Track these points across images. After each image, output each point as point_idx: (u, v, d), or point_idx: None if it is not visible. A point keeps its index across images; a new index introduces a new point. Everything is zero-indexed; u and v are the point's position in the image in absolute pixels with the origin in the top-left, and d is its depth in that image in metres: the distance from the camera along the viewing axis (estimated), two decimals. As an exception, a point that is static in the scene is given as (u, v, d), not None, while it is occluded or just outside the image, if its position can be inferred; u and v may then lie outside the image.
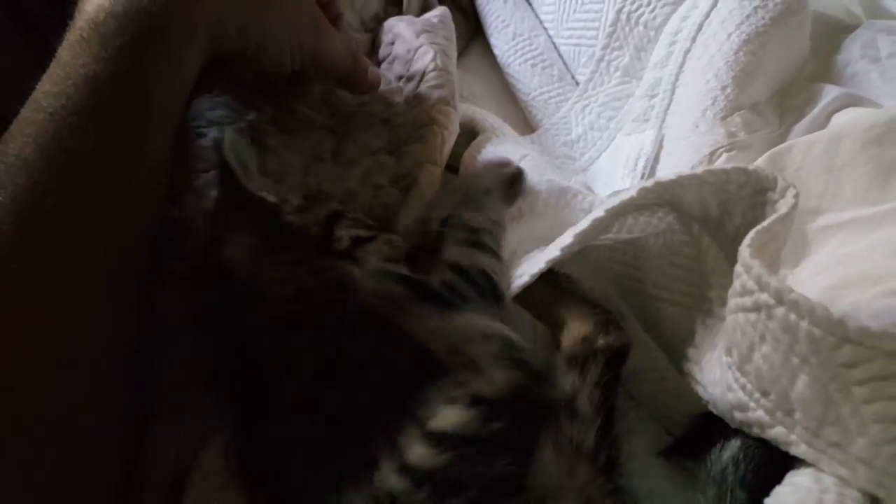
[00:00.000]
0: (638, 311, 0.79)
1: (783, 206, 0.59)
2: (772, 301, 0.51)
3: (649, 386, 0.79)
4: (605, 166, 1.09)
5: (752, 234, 0.56)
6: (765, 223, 0.57)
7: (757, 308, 0.52)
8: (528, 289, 0.72)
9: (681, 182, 0.66)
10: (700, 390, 0.64)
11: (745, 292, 0.53)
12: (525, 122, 1.27)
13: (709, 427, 0.64)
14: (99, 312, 0.61)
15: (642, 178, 0.97)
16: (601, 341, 0.67)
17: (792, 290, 0.49)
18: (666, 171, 0.96)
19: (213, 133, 0.93)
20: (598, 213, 0.68)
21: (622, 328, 0.70)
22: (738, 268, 0.55)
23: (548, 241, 0.81)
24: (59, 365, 0.56)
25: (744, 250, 0.55)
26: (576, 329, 0.69)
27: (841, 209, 0.79)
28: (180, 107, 0.68)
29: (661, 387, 0.77)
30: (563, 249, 0.69)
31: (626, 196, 0.67)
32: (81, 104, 0.57)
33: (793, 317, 0.49)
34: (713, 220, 0.68)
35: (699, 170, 0.65)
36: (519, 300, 0.73)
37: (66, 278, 0.57)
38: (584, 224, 0.69)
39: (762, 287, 0.52)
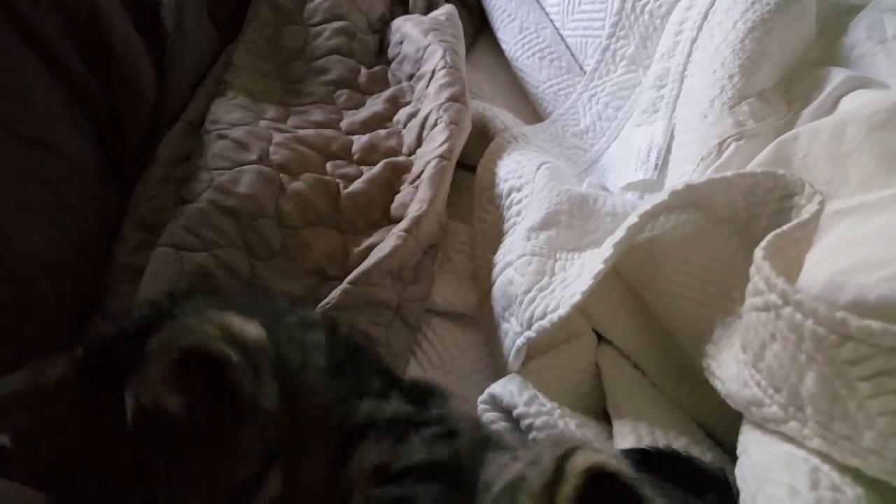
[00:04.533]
0: (655, 306, 0.81)
1: (806, 213, 0.60)
2: (779, 301, 0.53)
3: (670, 376, 0.81)
4: (616, 158, 1.11)
5: (769, 237, 0.58)
6: (784, 228, 0.59)
7: (767, 308, 0.54)
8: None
9: (710, 185, 0.68)
10: (718, 385, 0.66)
11: (757, 292, 0.56)
12: (534, 115, 1.28)
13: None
14: None
15: (655, 168, 0.99)
16: None
17: (797, 291, 0.51)
18: (678, 162, 0.98)
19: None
20: (632, 219, 0.70)
21: None
22: (752, 269, 0.57)
23: (579, 249, 0.85)
24: None
25: (757, 252, 0.57)
26: None
27: (848, 195, 0.80)
28: None
29: (682, 375, 0.80)
30: (605, 261, 0.72)
31: (657, 200, 0.69)
32: None
33: (798, 316, 0.51)
34: (741, 222, 0.70)
35: (729, 173, 0.66)
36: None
37: None
38: (620, 233, 0.71)
39: (770, 287, 0.54)
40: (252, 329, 0.52)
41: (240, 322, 0.52)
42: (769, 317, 0.54)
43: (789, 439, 0.56)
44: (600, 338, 0.87)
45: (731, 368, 0.63)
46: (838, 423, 0.51)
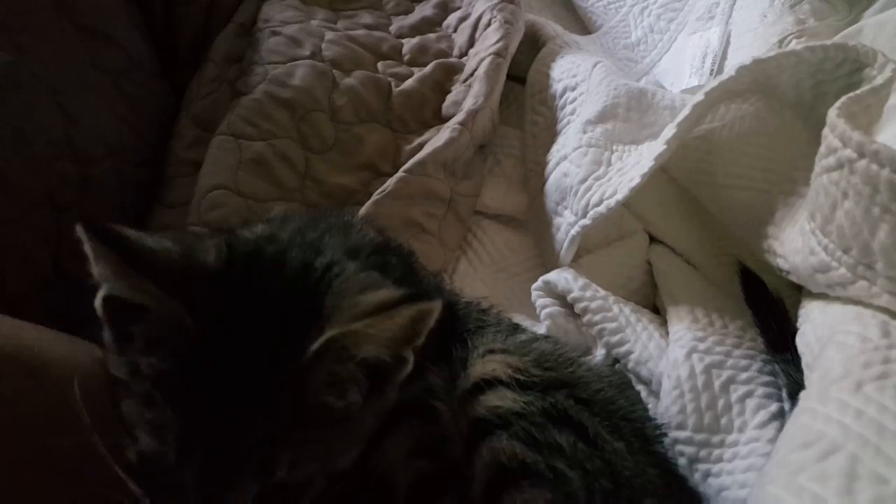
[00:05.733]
0: (710, 203, 0.81)
1: (879, 79, 0.59)
2: (854, 155, 0.52)
3: (725, 272, 0.80)
4: (669, 68, 1.09)
5: (842, 99, 0.57)
6: (857, 91, 0.58)
7: (840, 165, 0.54)
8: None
9: (778, 60, 0.66)
10: (780, 262, 0.66)
11: (830, 151, 0.55)
12: (583, 30, 1.26)
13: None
14: None
15: (711, 74, 0.98)
16: None
17: (874, 142, 0.51)
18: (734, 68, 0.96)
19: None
20: (699, 97, 0.70)
21: None
22: (825, 130, 0.56)
23: (637, 142, 0.84)
24: None
25: (831, 112, 0.56)
26: None
27: (914, 87, 0.79)
28: None
29: (736, 271, 0.79)
30: (668, 142, 0.71)
31: (724, 77, 0.68)
32: None
33: (874, 167, 0.51)
34: (806, 104, 0.69)
35: (798, 46, 0.65)
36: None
37: None
38: (685, 111, 0.70)
39: (846, 143, 0.53)
40: None
41: None
42: (842, 174, 0.54)
43: (855, 302, 0.56)
44: (652, 240, 0.87)
45: (795, 242, 0.63)
46: (911, 276, 0.51)
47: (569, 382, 0.60)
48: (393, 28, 1.08)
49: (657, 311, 0.81)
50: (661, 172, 0.83)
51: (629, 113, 0.86)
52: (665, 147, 0.71)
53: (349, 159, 0.90)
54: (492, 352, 0.61)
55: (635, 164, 0.77)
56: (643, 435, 0.62)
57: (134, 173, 0.85)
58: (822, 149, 0.56)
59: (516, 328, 0.71)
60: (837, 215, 0.55)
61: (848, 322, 0.54)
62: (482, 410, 0.55)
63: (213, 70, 0.98)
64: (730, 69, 0.95)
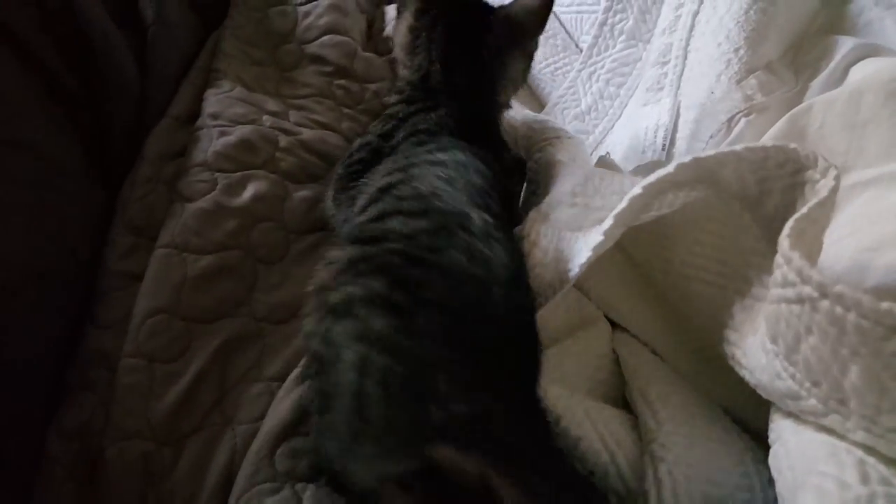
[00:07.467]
0: (670, 292, 0.79)
1: (823, 189, 0.58)
2: (815, 294, 0.50)
3: (690, 361, 0.79)
4: (622, 137, 1.08)
5: (790, 222, 0.55)
6: (804, 210, 0.56)
7: (800, 300, 0.52)
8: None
9: (719, 159, 0.64)
10: (746, 374, 0.64)
11: (787, 284, 0.53)
12: (532, 98, 1.25)
13: None
14: None
15: (663, 149, 0.97)
16: None
17: (835, 283, 0.49)
18: (686, 140, 0.95)
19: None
20: (636, 190, 0.67)
21: None
22: (779, 258, 0.54)
23: (583, 228, 0.82)
24: None
25: (783, 241, 0.54)
26: None
27: (866, 166, 0.78)
28: None
29: (703, 360, 0.77)
30: (605, 233, 0.68)
31: (663, 173, 0.66)
32: None
33: (839, 310, 0.49)
34: (752, 197, 0.67)
35: (738, 147, 0.63)
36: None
37: None
38: (623, 204, 0.67)
39: (804, 280, 0.51)
40: None
41: None
42: (804, 309, 0.52)
43: (829, 430, 0.54)
44: (615, 325, 0.85)
45: (758, 358, 0.61)
46: (886, 417, 0.49)
47: None
48: (345, 126, 1.05)
49: (626, 402, 0.79)
50: (619, 252, 0.81)
51: (574, 199, 0.84)
52: (602, 238, 0.69)
53: (302, 269, 0.86)
54: None
55: (577, 252, 0.75)
56: None
57: (62, 296, 0.80)
58: (778, 277, 0.54)
59: None
60: (803, 348, 0.53)
61: (823, 460, 0.52)
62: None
63: (147, 169, 0.93)
64: (679, 143, 0.95)
